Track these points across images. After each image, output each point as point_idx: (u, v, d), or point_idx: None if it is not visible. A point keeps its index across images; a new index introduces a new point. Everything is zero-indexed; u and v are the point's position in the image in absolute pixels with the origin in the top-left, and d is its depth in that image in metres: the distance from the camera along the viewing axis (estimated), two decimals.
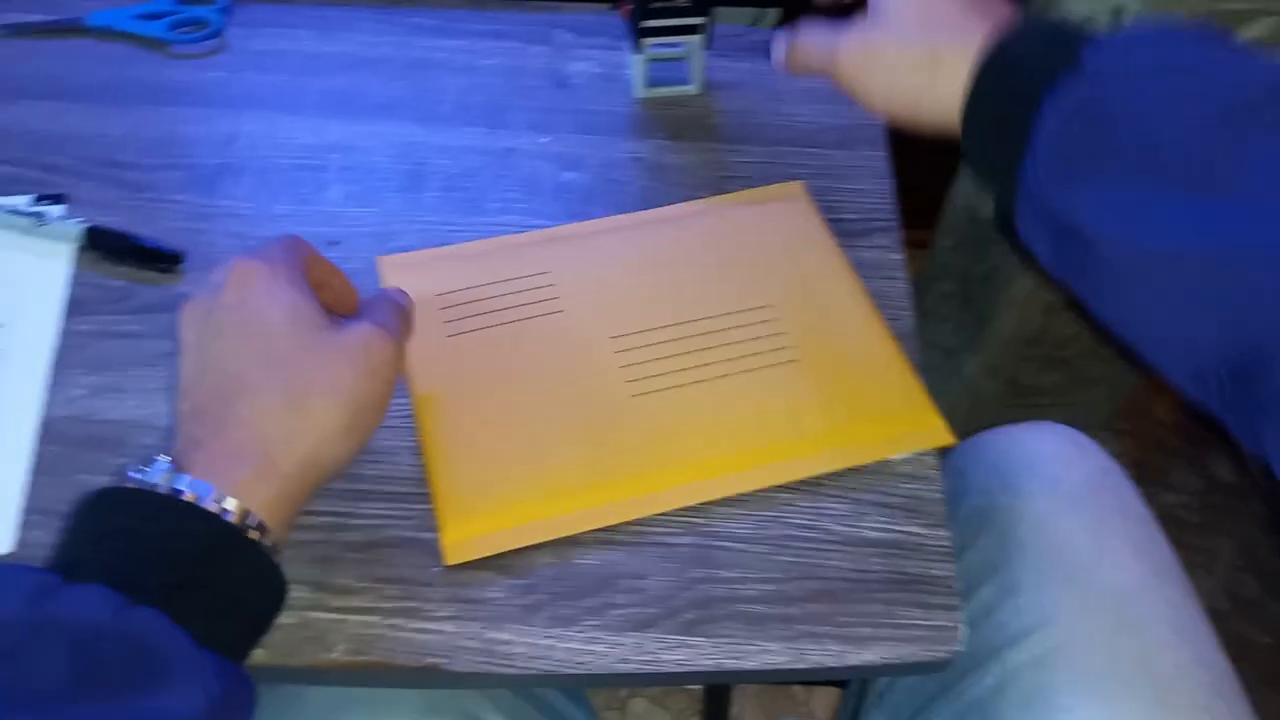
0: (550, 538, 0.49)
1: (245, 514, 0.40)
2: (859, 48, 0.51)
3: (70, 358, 0.54)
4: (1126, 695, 0.49)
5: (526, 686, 0.55)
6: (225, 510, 0.39)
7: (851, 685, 0.71)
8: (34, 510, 0.49)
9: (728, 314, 0.56)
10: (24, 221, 0.57)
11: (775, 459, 0.51)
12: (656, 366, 0.54)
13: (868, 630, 0.47)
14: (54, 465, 0.50)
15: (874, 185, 0.63)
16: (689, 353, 0.55)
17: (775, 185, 0.62)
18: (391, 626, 0.46)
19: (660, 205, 0.61)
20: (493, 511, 0.49)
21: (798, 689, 1.14)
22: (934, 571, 0.49)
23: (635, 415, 0.52)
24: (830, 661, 0.46)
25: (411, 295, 0.54)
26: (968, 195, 0.93)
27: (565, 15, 0.72)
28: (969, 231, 0.94)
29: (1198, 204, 0.40)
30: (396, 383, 0.46)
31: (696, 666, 0.46)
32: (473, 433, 0.51)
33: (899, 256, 0.59)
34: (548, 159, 0.64)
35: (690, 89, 0.67)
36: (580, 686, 0.63)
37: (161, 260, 0.57)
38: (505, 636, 0.46)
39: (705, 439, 0.52)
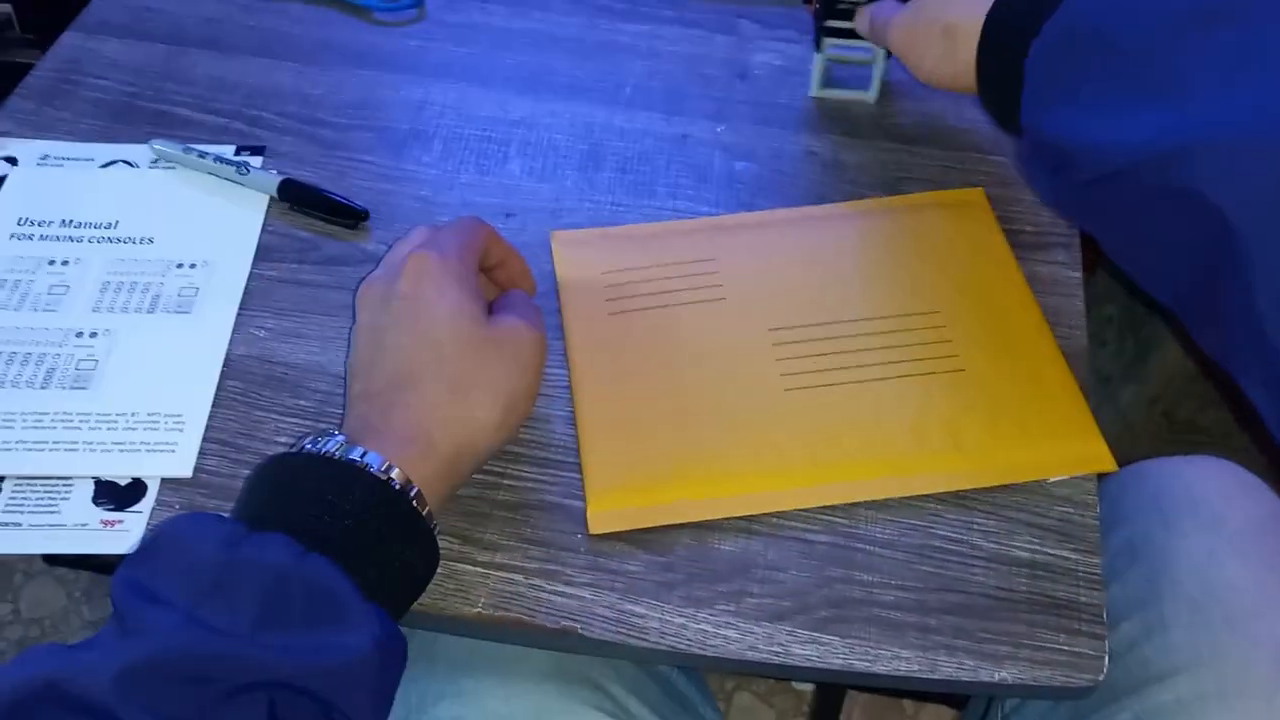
0: (693, 519, 0.49)
1: (408, 484, 0.43)
2: (900, 25, 0.59)
3: (256, 301, 0.57)
4: None
5: (653, 662, 0.56)
6: (391, 479, 0.42)
7: (972, 706, 0.69)
8: (211, 440, 0.52)
9: (893, 316, 0.56)
10: (229, 170, 0.61)
11: (929, 469, 0.50)
12: (813, 363, 0.54)
13: (1006, 649, 0.46)
14: (232, 400, 0.54)
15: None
16: (848, 352, 0.54)
17: (955, 190, 0.61)
18: (532, 586, 0.48)
19: (830, 201, 0.61)
20: (639, 487, 0.50)
21: (907, 704, 1.12)
22: (1082, 598, 0.47)
23: (788, 409, 0.52)
24: (964, 675, 0.45)
25: (578, 272, 0.56)
26: None
27: (753, 7, 0.72)
28: None
29: (1158, 107, 0.43)
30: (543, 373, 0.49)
31: (825, 664, 0.46)
32: (626, 409, 0.52)
33: (1076, 274, 0.58)
34: (721, 148, 0.64)
35: (867, 96, 0.66)
36: (705, 668, 0.64)
37: (348, 216, 0.60)
38: (640, 610, 0.47)
39: (858, 440, 0.51)
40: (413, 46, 0.69)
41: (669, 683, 0.58)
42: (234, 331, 0.56)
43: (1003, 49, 0.52)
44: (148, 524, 0.49)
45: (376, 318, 0.48)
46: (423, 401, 0.45)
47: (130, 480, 0.51)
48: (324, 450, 0.43)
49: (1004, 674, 0.45)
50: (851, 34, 0.63)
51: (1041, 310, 0.56)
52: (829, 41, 0.64)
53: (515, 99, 0.67)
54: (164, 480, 0.51)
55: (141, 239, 0.59)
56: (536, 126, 0.65)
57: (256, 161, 0.63)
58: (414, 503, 0.43)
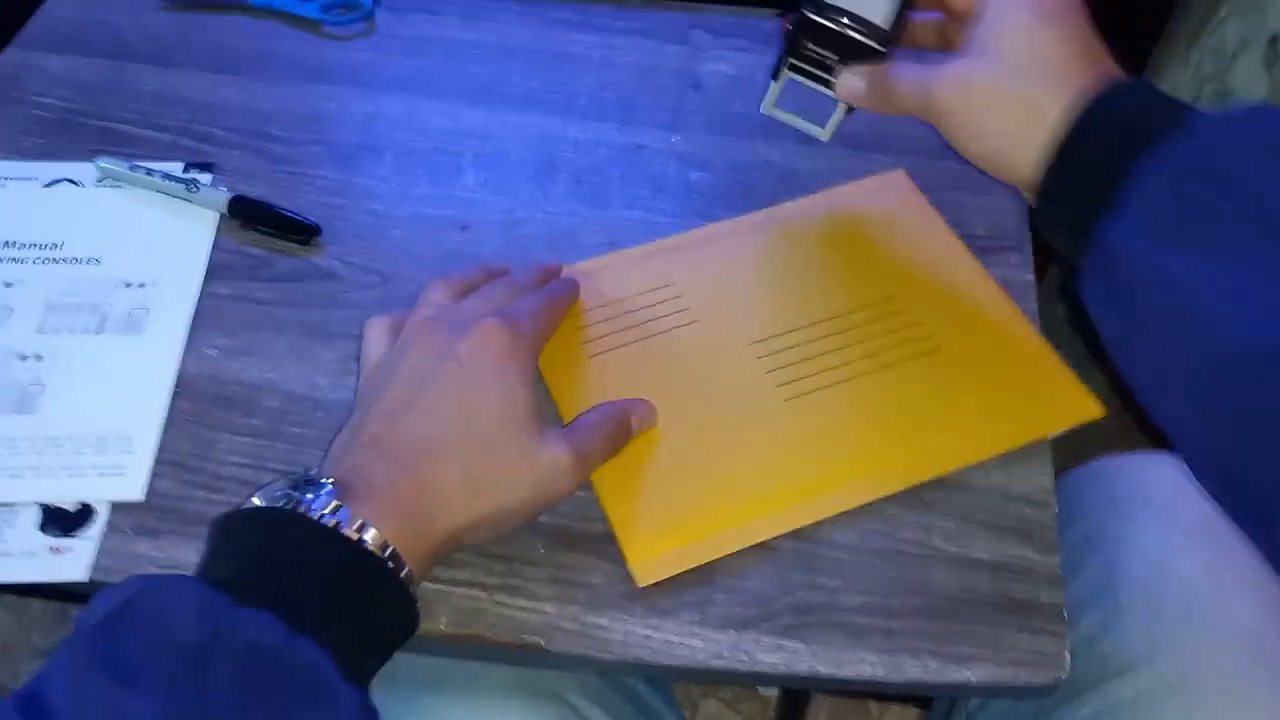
0: (736, 548, 0.48)
1: (400, 560, 0.41)
2: (959, 83, 0.49)
3: (207, 319, 0.56)
4: None
5: (619, 673, 0.56)
6: (386, 559, 0.41)
7: (937, 706, 0.69)
8: (162, 461, 0.51)
9: (858, 310, 0.56)
10: (177, 187, 0.60)
11: (941, 447, 0.51)
12: (803, 369, 0.54)
13: (969, 649, 0.46)
14: (184, 420, 0.53)
15: (1007, 203, 0.61)
16: (831, 351, 0.54)
17: (879, 176, 0.63)
18: (495, 602, 0.47)
19: None
20: (672, 528, 0.49)
21: (872, 705, 1.13)
22: (1042, 597, 0.47)
23: (793, 418, 0.52)
24: (928, 678, 0.46)
25: None
26: None
27: (705, 16, 0.72)
28: None
29: None
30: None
31: (791, 670, 0.46)
32: (634, 451, 0.51)
33: (1029, 277, 0.58)
34: (676, 157, 0.64)
35: (819, 132, 0.60)
36: (672, 679, 0.64)
37: (300, 232, 0.59)
38: (603, 621, 0.47)
39: (869, 434, 0.52)
40: (363, 59, 0.69)
41: (634, 694, 0.58)
42: (185, 351, 0.55)
43: (1094, 144, 0.46)
44: (97, 549, 0.48)
45: (423, 368, 0.46)
46: (436, 480, 0.44)
47: (78, 505, 0.49)
48: (315, 512, 0.41)
49: (968, 674, 0.46)
50: (820, 67, 0.56)
51: (989, 273, 0.58)
52: (787, 73, 0.58)
53: (468, 110, 0.66)
54: (114, 504, 0.50)
55: (88, 259, 0.58)
56: (490, 138, 0.65)
57: (206, 178, 0.62)
58: (404, 577, 0.41)
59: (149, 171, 0.61)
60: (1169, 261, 0.42)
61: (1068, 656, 0.46)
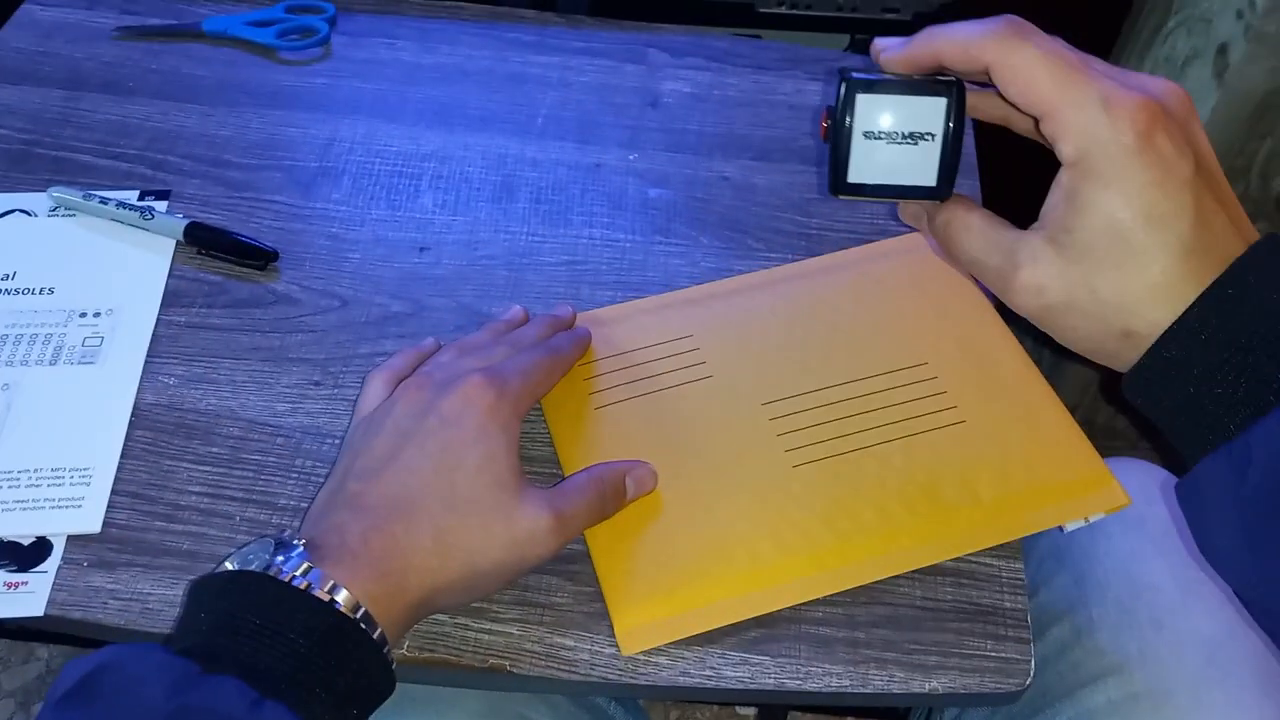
0: (732, 620, 0.46)
1: (373, 621, 0.41)
2: (1039, 297, 0.41)
3: (163, 347, 0.56)
4: None
5: (587, 694, 0.55)
6: (357, 615, 0.40)
7: (913, 716, 0.69)
8: (120, 492, 0.50)
9: (882, 374, 0.53)
10: (132, 216, 0.60)
11: (953, 529, 0.48)
12: (815, 434, 0.51)
13: (935, 659, 0.46)
14: (142, 450, 0.52)
15: None
16: (847, 417, 0.51)
17: (902, 237, 0.60)
18: (458, 625, 0.47)
19: (745, 227, 0.61)
20: (665, 594, 0.47)
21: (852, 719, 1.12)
22: (1006, 604, 0.48)
23: (800, 485, 0.49)
24: (895, 688, 0.46)
25: None
26: None
27: (661, 35, 0.72)
28: None
29: None
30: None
31: (757, 684, 0.46)
32: (633, 509, 0.49)
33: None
34: (635, 175, 0.64)
35: (928, 188, 0.46)
36: (639, 697, 0.63)
37: (257, 257, 0.59)
38: (569, 642, 0.46)
39: (878, 509, 0.48)
40: (319, 84, 0.69)
41: (603, 713, 0.57)
42: (142, 380, 0.54)
43: (1205, 384, 0.39)
44: (53, 584, 0.47)
45: (407, 422, 0.46)
46: (407, 539, 0.43)
47: (34, 539, 0.49)
48: (287, 574, 0.40)
49: (934, 684, 0.46)
50: (884, 191, 0.45)
51: (1019, 342, 0.54)
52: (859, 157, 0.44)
53: (426, 133, 0.66)
54: (70, 537, 0.49)
55: (41, 289, 0.57)
56: (448, 160, 0.65)
57: (161, 206, 0.61)
58: (377, 638, 0.41)
59: (104, 200, 0.60)
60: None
61: (1032, 663, 0.46)
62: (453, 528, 0.43)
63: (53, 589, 0.47)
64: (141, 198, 0.62)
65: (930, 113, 0.42)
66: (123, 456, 0.52)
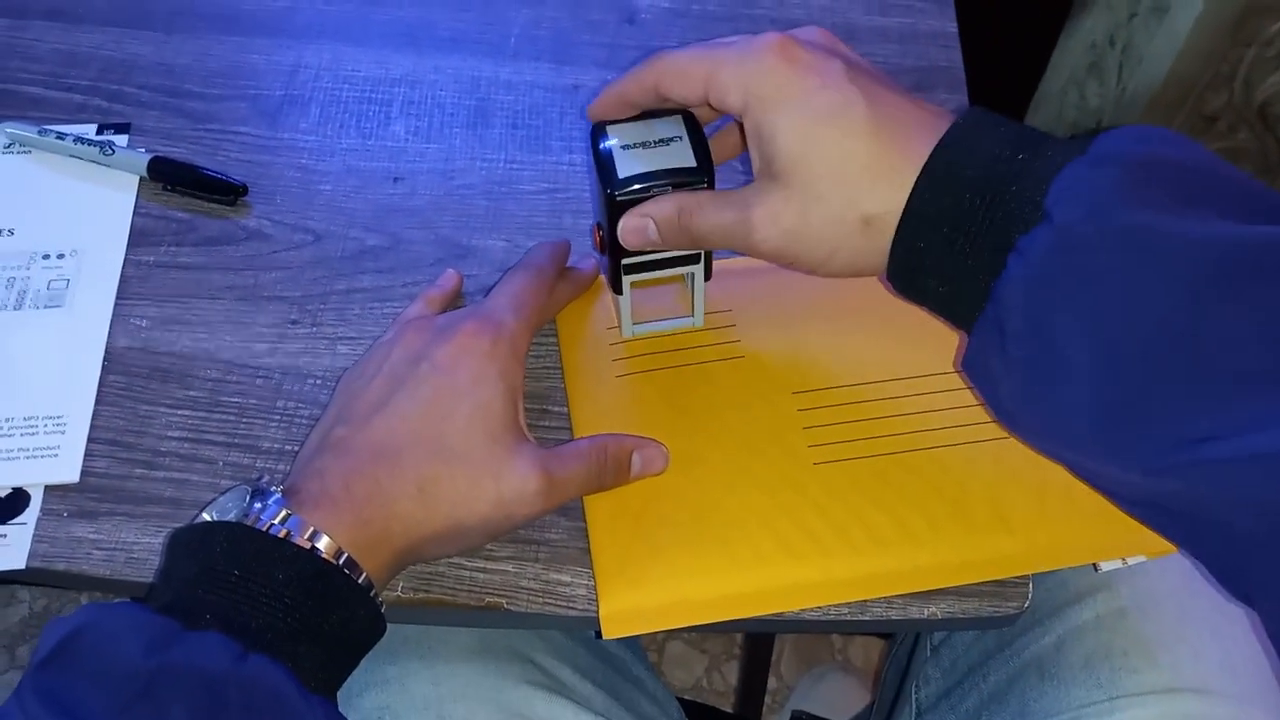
0: (721, 619, 0.45)
1: (357, 566, 0.40)
2: (774, 225, 0.42)
3: (133, 289, 0.54)
4: (1192, 655, 0.49)
5: (584, 629, 0.55)
6: (339, 561, 0.39)
7: (902, 637, 0.70)
8: (97, 440, 0.49)
9: (927, 375, 0.50)
10: (91, 151, 0.57)
11: (976, 554, 0.45)
12: (844, 431, 0.48)
13: None
14: (117, 396, 0.51)
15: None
16: (881, 418, 0.48)
17: None
18: (452, 565, 0.46)
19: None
20: (656, 580, 0.45)
21: (835, 637, 1.14)
22: None
23: (818, 486, 0.47)
24: (893, 614, 0.45)
25: (579, 327, 0.51)
26: None
27: None
28: None
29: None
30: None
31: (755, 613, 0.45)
32: (637, 488, 0.47)
33: None
34: None
35: (692, 321, 0.52)
36: None
37: (225, 192, 0.56)
38: (565, 578, 0.46)
39: (897, 521, 0.46)
40: (280, 8, 0.66)
41: (597, 646, 0.57)
42: (112, 323, 0.53)
43: (949, 254, 0.40)
44: (33, 535, 0.46)
45: (401, 367, 0.45)
46: (391, 487, 0.42)
47: (10, 490, 0.47)
48: (265, 523, 0.39)
49: (932, 609, 0.46)
50: (658, 265, 0.48)
51: None
52: (633, 279, 0.49)
53: (394, 56, 0.64)
54: (48, 487, 0.48)
55: (0, 230, 0.55)
56: (419, 84, 0.62)
57: (122, 140, 0.59)
58: (362, 582, 0.40)
59: (60, 136, 0.58)
60: (1041, 382, 0.39)
61: (1030, 586, 0.46)
62: (438, 477, 0.42)
63: (33, 540, 0.46)
64: (100, 132, 0.59)
65: (670, 125, 0.46)
66: (98, 403, 0.50)
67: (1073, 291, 0.36)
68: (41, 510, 0.47)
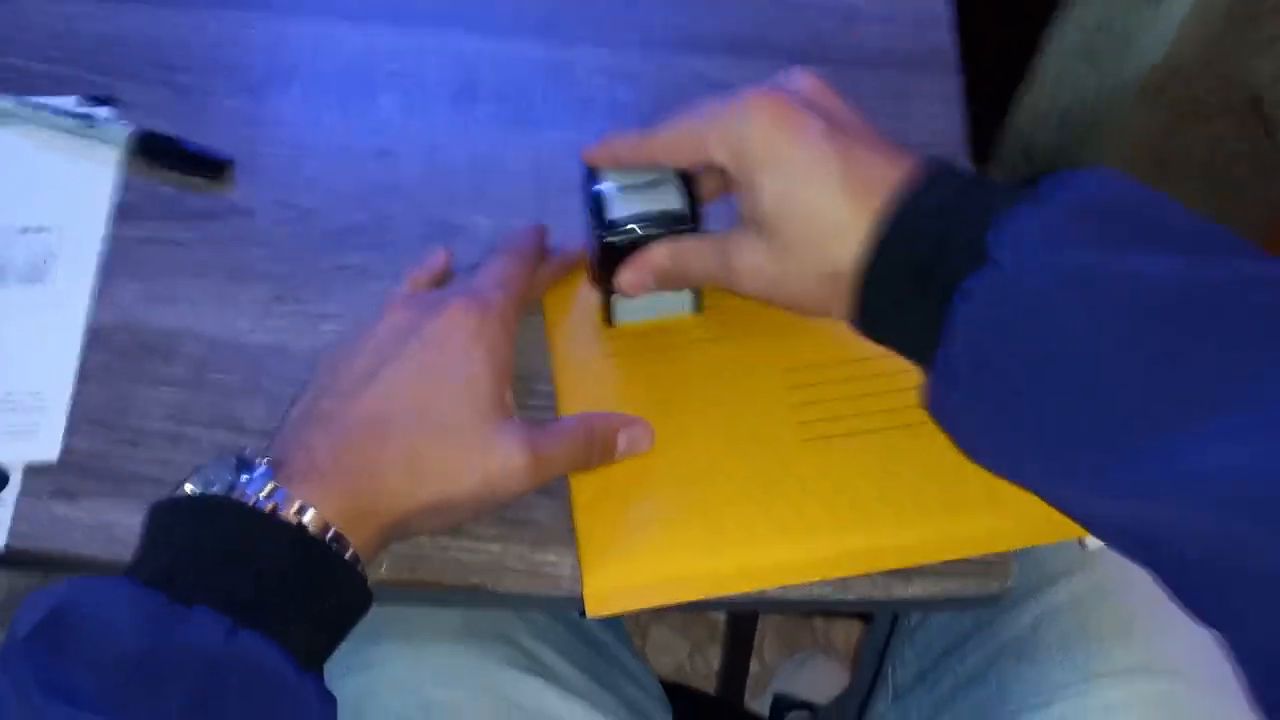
0: (706, 595, 0.45)
1: (344, 540, 0.40)
2: (757, 276, 0.45)
3: (118, 265, 0.53)
4: (1166, 635, 0.49)
5: (570, 609, 0.55)
6: (326, 536, 0.39)
7: (879, 620, 0.70)
8: (79, 418, 0.49)
9: None
10: (72, 123, 0.56)
11: (965, 528, 0.45)
12: (833, 408, 0.48)
13: None
14: (100, 373, 0.50)
15: (948, 109, 0.60)
16: (872, 394, 0.48)
17: None
18: (439, 547, 0.46)
19: None
20: (641, 556, 0.45)
21: (818, 621, 1.15)
22: None
23: (806, 463, 0.47)
24: (876, 593, 0.46)
25: (568, 304, 0.51)
26: (1023, 129, 0.90)
27: None
28: (1024, 168, 0.91)
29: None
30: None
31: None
32: (624, 465, 0.47)
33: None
34: (604, 74, 0.62)
35: (686, 313, 0.52)
36: None
37: (211, 167, 0.56)
38: (551, 558, 0.46)
39: (885, 497, 0.46)
40: None
41: (582, 627, 0.57)
42: (95, 299, 0.52)
43: (899, 306, 0.43)
44: (12, 515, 0.46)
45: (389, 342, 0.45)
46: (379, 459, 0.42)
47: None
48: (250, 496, 0.39)
49: (914, 589, 0.46)
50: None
51: None
52: (624, 320, 0.51)
53: (380, 30, 0.63)
54: (28, 467, 0.47)
55: None
56: (405, 58, 0.62)
57: (105, 113, 0.58)
58: (349, 557, 0.40)
59: (39, 107, 0.57)
60: (989, 429, 0.41)
61: (1013, 565, 0.46)
62: (427, 451, 0.42)
63: (13, 520, 0.46)
64: (85, 105, 0.58)
65: (660, 173, 0.48)
66: (79, 380, 0.50)
67: (1016, 329, 0.38)
68: (21, 490, 0.47)
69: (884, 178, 0.42)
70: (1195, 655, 0.48)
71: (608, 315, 0.51)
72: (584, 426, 0.46)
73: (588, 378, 0.50)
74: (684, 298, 0.51)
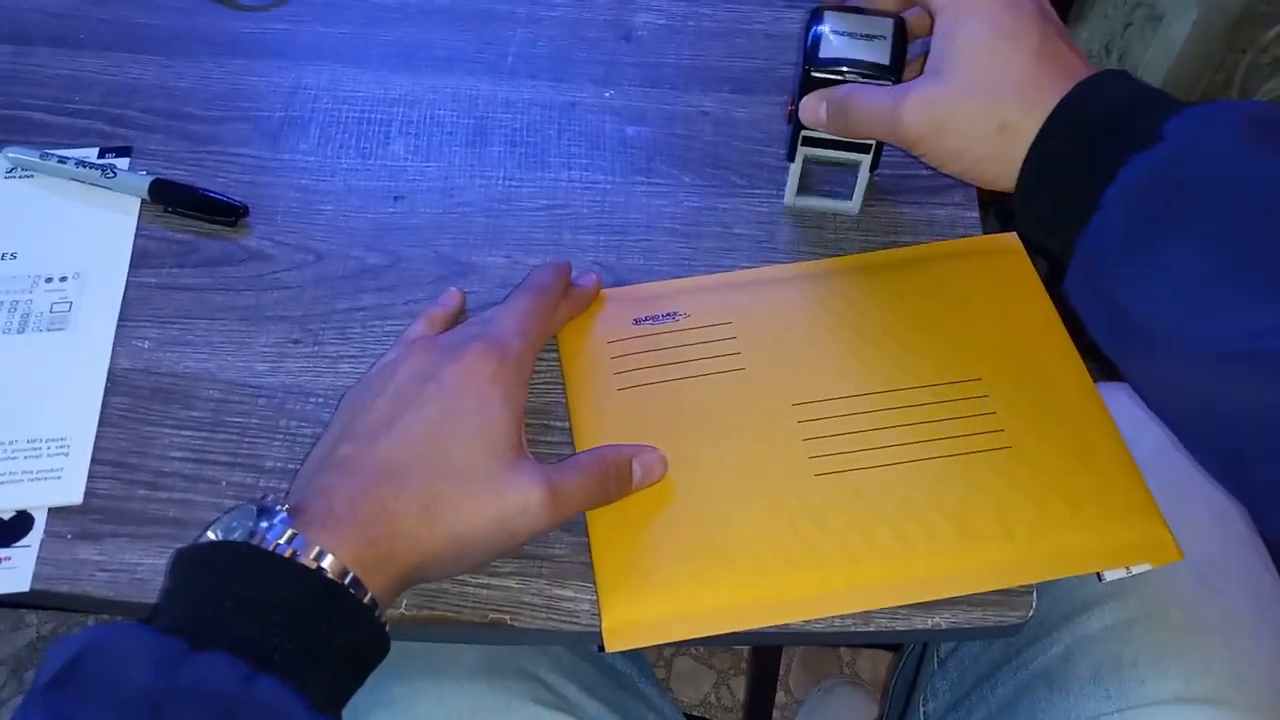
0: (723, 631, 0.45)
1: (362, 586, 0.40)
2: (925, 110, 0.48)
3: (135, 310, 0.54)
4: (1202, 667, 0.48)
5: (588, 644, 0.55)
6: (345, 581, 0.39)
7: (910, 649, 0.70)
8: (101, 462, 0.49)
9: (930, 385, 0.50)
10: (94, 174, 0.57)
11: (977, 562, 0.45)
12: (844, 442, 0.48)
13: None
14: (120, 417, 0.51)
15: None
16: (882, 428, 0.48)
17: (987, 236, 0.56)
18: (457, 582, 0.46)
19: (728, 161, 0.60)
20: (657, 592, 0.45)
21: (844, 650, 1.14)
22: None
23: (818, 496, 0.47)
24: (898, 625, 0.45)
25: (580, 339, 0.52)
26: None
27: None
28: None
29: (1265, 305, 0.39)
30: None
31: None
32: (639, 500, 0.47)
33: (974, 214, 0.58)
34: (611, 113, 0.63)
35: (849, 207, 0.57)
36: None
37: (226, 213, 0.57)
38: (569, 593, 0.46)
39: (897, 531, 0.46)
40: (279, 30, 0.66)
41: (605, 662, 0.57)
42: (115, 344, 0.53)
43: (1069, 161, 0.45)
44: (37, 557, 0.46)
45: (408, 386, 0.45)
46: (395, 505, 0.42)
47: (14, 513, 0.48)
48: (271, 542, 0.39)
49: (937, 620, 0.45)
50: (833, 144, 0.54)
51: (1087, 368, 0.51)
52: (804, 150, 0.55)
53: (393, 76, 0.64)
54: (52, 509, 0.48)
55: (3, 254, 0.56)
56: (418, 103, 0.63)
57: (123, 163, 0.59)
58: (368, 601, 0.40)
59: (62, 160, 0.58)
60: (1138, 274, 0.42)
61: (1034, 596, 0.46)
62: (442, 496, 0.42)
63: (37, 563, 0.46)
64: (101, 155, 0.59)
65: (879, 25, 0.53)
66: (101, 424, 0.50)
67: (1173, 200, 0.41)
68: (45, 532, 0.47)
69: (1072, 64, 0.47)
70: (1233, 685, 0.48)
71: (810, 57, 0.52)
72: (597, 459, 0.46)
73: (603, 413, 0.50)
74: (851, 186, 0.56)
